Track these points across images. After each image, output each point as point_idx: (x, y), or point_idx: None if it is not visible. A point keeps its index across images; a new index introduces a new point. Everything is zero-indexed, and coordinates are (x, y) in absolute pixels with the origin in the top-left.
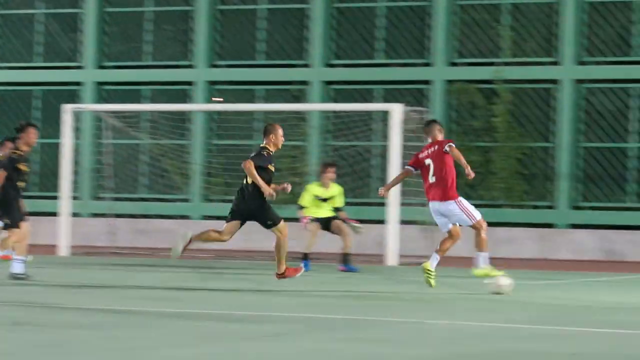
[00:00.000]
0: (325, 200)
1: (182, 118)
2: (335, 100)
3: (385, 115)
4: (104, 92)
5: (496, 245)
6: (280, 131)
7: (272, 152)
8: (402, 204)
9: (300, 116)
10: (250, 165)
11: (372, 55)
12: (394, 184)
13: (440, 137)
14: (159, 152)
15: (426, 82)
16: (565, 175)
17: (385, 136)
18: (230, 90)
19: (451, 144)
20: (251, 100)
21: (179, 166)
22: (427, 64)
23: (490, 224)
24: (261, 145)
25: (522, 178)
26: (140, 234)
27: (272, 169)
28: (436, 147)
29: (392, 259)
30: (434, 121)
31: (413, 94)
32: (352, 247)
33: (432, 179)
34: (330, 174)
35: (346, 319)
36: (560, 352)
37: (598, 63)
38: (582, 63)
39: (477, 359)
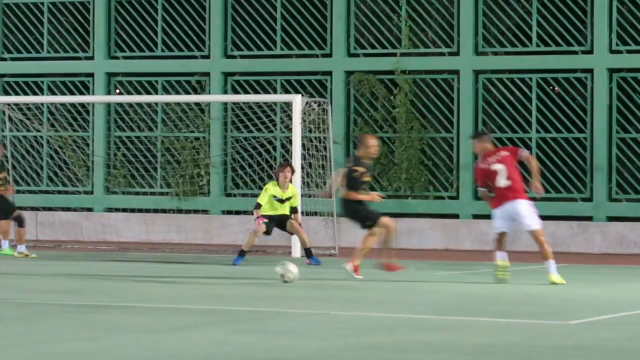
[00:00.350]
0: (282, 201)
1: (82, 110)
2: (236, 92)
3: (286, 106)
4: (3, 84)
5: (400, 236)
6: (368, 141)
7: (364, 160)
8: (304, 195)
9: (201, 107)
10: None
11: (272, 46)
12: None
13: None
14: (59, 144)
15: (326, 73)
16: (467, 166)
17: (287, 127)
18: (129, 82)
19: (527, 153)
20: (150, 91)
21: (80, 158)
22: (326, 55)
23: (394, 215)
24: (356, 154)
25: (425, 169)
26: (43, 226)
27: (364, 178)
28: (506, 152)
29: (297, 250)
30: (484, 133)
31: (313, 85)
32: (309, 242)
33: (504, 183)
34: (285, 173)
35: (252, 311)
36: (465, 343)
37: (497, 53)
38: (481, 54)
39: (382, 349)
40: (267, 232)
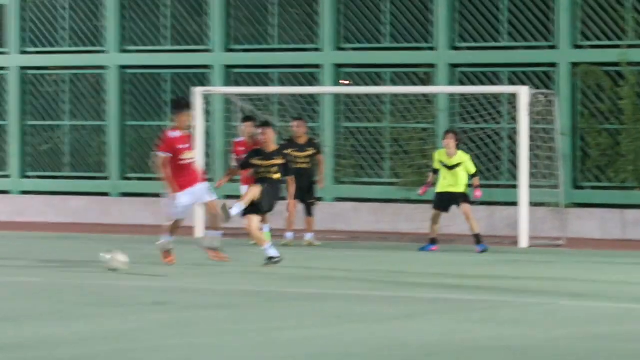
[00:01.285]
0: (449, 168)
1: (311, 101)
2: (462, 83)
3: (512, 97)
4: (232, 75)
5: (627, 227)
6: None
7: None
8: (532, 186)
9: (428, 99)
10: None
11: (497, 38)
12: None
13: None
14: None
15: (552, 64)
16: None
17: (513, 119)
18: (357, 74)
19: None
20: (378, 83)
21: None
22: (552, 47)
23: (621, 207)
24: None
25: None
26: (273, 215)
27: None
28: None
29: (523, 240)
30: None
31: (539, 77)
32: (479, 228)
33: None
34: (446, 140)
35: (481, 300)
36: None
37: None
38: None
39: (609, 339)
40: (445, 211)
